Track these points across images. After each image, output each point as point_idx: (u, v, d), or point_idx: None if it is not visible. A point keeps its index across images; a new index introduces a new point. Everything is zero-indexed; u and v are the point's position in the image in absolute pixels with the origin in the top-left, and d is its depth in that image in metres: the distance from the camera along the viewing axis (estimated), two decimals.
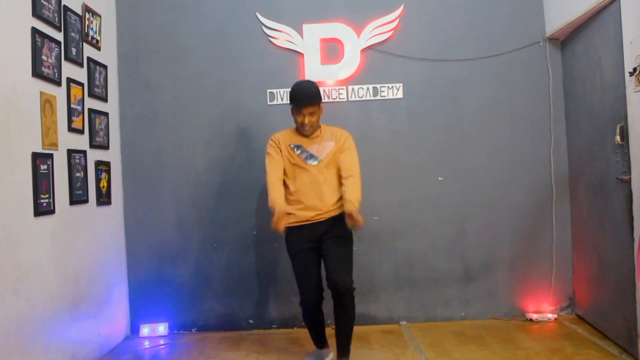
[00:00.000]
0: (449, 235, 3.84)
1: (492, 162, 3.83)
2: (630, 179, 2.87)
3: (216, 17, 3.84)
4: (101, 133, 3.47)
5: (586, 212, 3.55)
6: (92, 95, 3.35)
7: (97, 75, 3.42)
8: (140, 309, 3.80)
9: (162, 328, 3.74)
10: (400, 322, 3.82)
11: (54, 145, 2.85)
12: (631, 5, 2.79)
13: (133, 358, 3.38)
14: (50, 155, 2.79)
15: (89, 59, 3.31)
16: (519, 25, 3.82)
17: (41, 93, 2.73)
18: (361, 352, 3.25)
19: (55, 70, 2.88)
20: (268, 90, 3.81)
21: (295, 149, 2.92)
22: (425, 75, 3.83)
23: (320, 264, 2.95)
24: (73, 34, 3.10)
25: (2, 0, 2.45)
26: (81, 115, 3.18)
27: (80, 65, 3.20)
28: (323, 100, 2.98)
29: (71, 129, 3.05)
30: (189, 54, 3.83)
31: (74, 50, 3.10)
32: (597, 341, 3.26)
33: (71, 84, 3.05)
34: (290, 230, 2.92)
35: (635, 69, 2.74)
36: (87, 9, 3.30)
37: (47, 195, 2.73)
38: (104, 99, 3.55)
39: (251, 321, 3.82)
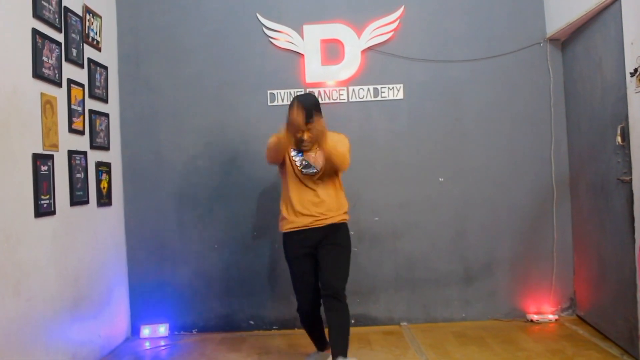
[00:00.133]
0: (449, 235, 3.84)
1: (493, 162, 3.83)
2: (631, 179, 2.87)
3: (216, 17, 3.84)
4: (102, 134, 3.47)
5: (587, 213, 3.54)
6: (92, 96, 3.35)
7: (97, 76, 3.42)
8: (141, 310, 3.80)
9: (162, 329, 3.74)
10: (401, 323, 3.82)
11: (55, 146, 2.85)
12: (632, 5, 2.79)
13: (133, 359, 3.38)
14: (51, 156, 2.79)
15: (89, 60, 3.32)
16: (519, 25, 3.82)
17: (42, 94, 2.73)
18: (362, 353, 3.25)
19: (56, 71, 2.88)
20: (268, 91, 3.81)
21: (294, 155, 2.88)
22: (426, 76, 3.83)
23: (314, 270, 2.89)
24: (73, 35, 3.10)
25: (3, 1, 2.45)
26: (82, 116, 3.18)
27: (81, 66, 3.20)
28: (323, 101, 2.94)
29: (72, 130, 3.05)
30: (190, 55, 3.84)
31: (74, 51, 3.10)
32: (598, 342, 3.26)
33: (72, 85, 3.05)
34: (287, 235, 2.92)
35: (636, 70, 2.74)
36: (87, 10, 3.30)
37: (47, 196, 2.73)
38: (105, 100, 3.55)
39: (252, 322, 3.82)
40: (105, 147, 3.54)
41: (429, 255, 3.83)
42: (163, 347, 3.54)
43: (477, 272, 3.83)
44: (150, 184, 3.82)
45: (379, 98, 3.83)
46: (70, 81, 3.04)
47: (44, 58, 2.76)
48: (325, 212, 2.84)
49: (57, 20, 2.90)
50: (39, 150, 2.69)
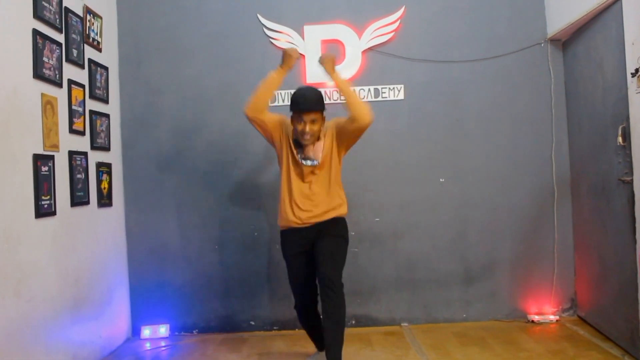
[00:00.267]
0: (450, 236, 3.84)
1: (494, 163, 3.83)
2: (632, 180, 2.86)
3: (217, 18, 3.84)
4: (102, 135, 3.47)
5: (588, 214, 3.54)
6: (93, 96, 3.35)
7: (98, 76, 3.42)
8: (142, 310, 3.80)
9: (163, 330, 3.74)
10: (402, 324, 3.81)
11: (55, 146, 2.85)
12: (633, 5, 2.79)
13: None
14: (52, 157, 2.79)
15: (90, 60, 3.32)
16: (520, 26, 3.82)
17: (42, 95, 2.73)
18: (363, 353, 3.25)
19: (57, 72, 2.88)
20: None
21: (295, 146, 2.82)
22: (427, 77, 3.83)
23: (311, 268, 2.86)
24: (74, 36, 3.10)
25: (3, 1, 2.45)
26: (82, 117, 3.18)
27: (82, 66, 3.20)
28: (325, 102, 2.90)
29: (72, 131, 3.05)
30: (190, 55, 3.84)
31: (75, 52, 3.10)
32: (599, 343, 3.25)
33: (72, 86, 3.05)
34: (284, 233, 2.92)
35: (637, 70, 2.74)
36: (88, 10, 3.30)
37: (48, 197, 2.73)
38: (105, 100, 3.55)
39: (252, 323, 3.82)
40: (106, 148, 3.54)
41: (430, 256, 3.83)
42: (164, 348, 3.54)
43: (478, 273, 3.83)
44: (151, 184, 3.82)
45: (379, 98, 3.82)
46: (70, 82, 3.04)
47: (45, 58, 2.76)
48: (322, 208, 2.81)
49: (57, 20, 2.90)
50: (40, 150, 2.69)
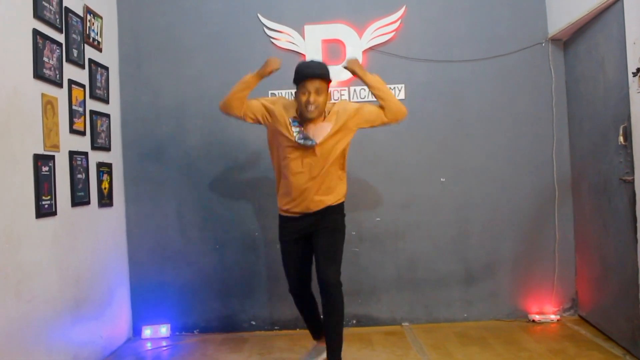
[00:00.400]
0: (451, 236, 3.83)
1: (495, 162, 3.83)
2: (633, 179, 2.86)
3: (217, 18, 3.84)
4: (103, 135, 3.47)
5: (589, 213, 3.54)
6: (93, 96, 3.35)
7: (98, 76, 3.42)
8: (142, 310, 3.80)
9: (164, 330, 3.74)
10: (403, 324, 3.81)
11: (56, 147, 2.85)
12: (634, 5, 2.78)
13: None
14: (52, 157, 2.79)
15: (90, 60, 3.31)
16: (521, 25, 3.81)
17: (42, 95, 2.73)
18: (364, 353, 3.25)
19: (57, 72, 2.88)
20: (269, 92, 3.80)
21: (292, 124, 2.68)
22: (427, 76, 3.83)
23: (305, 254, 2.88)
24: (74, 36, 3.10)
25: (3, 1, 2.45)
26: (83, 117, 3.18)
27: (82, 66, 3.20)
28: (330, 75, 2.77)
29: (73, 131, 3.05)
30: (191, 55, 3.83)
31: (75, 52, 3.10)
32: (600, 342, 3.25)
33: (73, 86, 3.05)
34: (281, 218, 2.91)
35: (638, 69, 2.73)
36: (88, 10, 3.30)
37: (48, 197, 2.73)
38: (106, 100, 3.55)
39: (253, 322, 3.82)
40: (106, 148, 3.53)
41: (431, 256, 3.83)
42: (164, 348, 3.54)
43: (479, 273, 3.82)
44: (151, 184, 3.82)
45: None
46: (71, 82, 3.04)
47: (45, 58, 2.76)
48: (319, 196, 2.75)
49: (57, 20, 2.90)
50: (40, 151, 2.69)
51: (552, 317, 3.73)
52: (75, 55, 3.10)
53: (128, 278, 3.79)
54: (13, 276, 2.41)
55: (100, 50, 3.48)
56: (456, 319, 3.82)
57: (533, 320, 3.73)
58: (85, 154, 3.20)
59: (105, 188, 3.46)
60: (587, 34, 3.40)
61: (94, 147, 3.33)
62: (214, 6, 3.84)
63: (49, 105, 2.78)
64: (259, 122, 2.82)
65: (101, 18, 3.48)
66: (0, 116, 2.38)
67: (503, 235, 3.82)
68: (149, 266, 3.80)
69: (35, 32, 2.67)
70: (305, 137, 2.69)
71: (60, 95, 2.93)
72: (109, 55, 3.62)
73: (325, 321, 2.77)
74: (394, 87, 3.81)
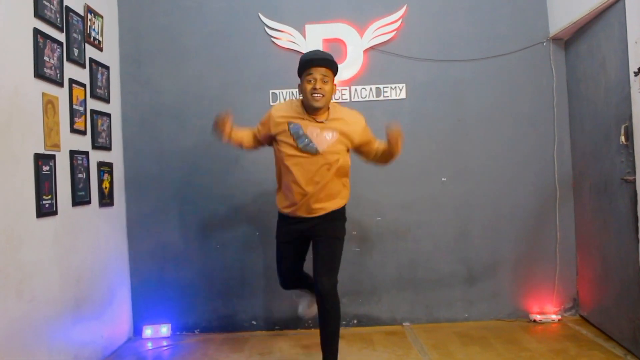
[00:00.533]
0: (452, 236, 3.83)
1: (496, 162, 3.82)
2: (634, 179, 2.86)
3: (218, 18, 3.83)
4: (103, 134, 3.47)
5: (590, 213, 3.53)
6: (94, 96, 3.35)
7: (99, 76, 3.42)
8: (143, 310, 3.80)
9: (164, 329, 3.74)
10: (404, 323, 3.81)
11: (56, 146, 2.85)
12: (636, 4, 2.78)
13: (136, 359, 3.37)
14: (53, 157, 2.79)
15: (91, 59, 3.31)
16: (522, 25, 3.81)
17: (43, 94, 2.73)
18: (364, 353, 3.25)
19: (58, 71, 2.88)
20: (271, 91, 3.80)
21: (291, 129, 2.60)
22: (428, 76, 3.82)
23: (299, 254, 2.91)
24: (75, 35, 3.09)
25: (4, 1, 2.44)
26: (83, 116, 3.18)
27: (83, 66, 3.20)
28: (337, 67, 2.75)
29: (73, 130, 3.05)
30: (191, 55, 3.83)
31: (76, 51, 3.10)
32: (602, 342, 3.25)
33: (73, 85, 3.05)
34: (280, 216, 2.92)
35: None
36: (89, 9, 3.29)
37: (49, 197, 2.73)
38: (106, 100, 3.54)
39: (254, 322, 3.82)
40: (107, 147, 3.53)
41: (432, 256, 3.83)
42: (165, 348, 3.54)
43: (480, 272, 3.82)
44: (152, 184, 3.81)
45: (381, 98, 3.82)
46: (71, 81, 3.03)
47: (46, 58, 2.75)
48: (321, 202, 2.70)
49: (58, 20, 2.90)
50: (41, 150, 2.69)
51: (553, 317, 3.72)
52: (76, 54, 3.09)
53: (129, 278, 3.79)
54: (14, 276, 2.41)
55: (101, 49, 3.48)
56: (457, 318, 3.82)
57: (534, 320, 3.72)
58: (86, 153, 3.20)
59: (105, 187, 3.46)
60: (588, 34, 3.40)
61: (94, 147, 3.32)
62: (214, 5, 3.84)
63: (49, 104, 2.78)
64: (269, 139, 2.82)
65: (102, 17, 3.48)
66: (1, 116, 2.38)
67: (504, 235, 3.82)
68: (149, 266, 3.80)
69: (36, 32, 2.66)
70: (306, 144, 2.63)
71: (61, 94, 2.93)
72: (109, 55, 3.62)
73: (321, 330, 2.73)
74: (395, 87, 3.81)
